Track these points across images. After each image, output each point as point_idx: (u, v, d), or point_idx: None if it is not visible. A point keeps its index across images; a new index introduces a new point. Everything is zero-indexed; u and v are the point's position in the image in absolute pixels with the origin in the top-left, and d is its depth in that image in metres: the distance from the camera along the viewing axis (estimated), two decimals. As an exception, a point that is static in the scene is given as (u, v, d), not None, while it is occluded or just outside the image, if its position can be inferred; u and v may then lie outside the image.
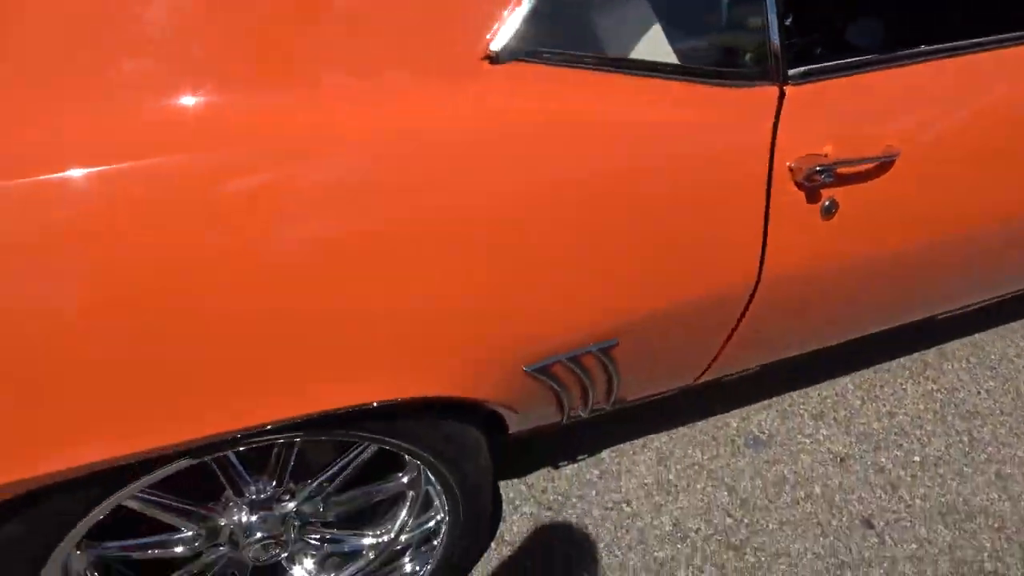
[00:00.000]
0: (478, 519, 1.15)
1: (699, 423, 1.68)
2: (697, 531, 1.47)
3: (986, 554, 1.46)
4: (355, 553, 1.22)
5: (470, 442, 1.03)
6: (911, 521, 1.51)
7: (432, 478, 1.06)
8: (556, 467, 1.56)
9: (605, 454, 1.61)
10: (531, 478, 1.53)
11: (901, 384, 1.79)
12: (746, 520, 1.50)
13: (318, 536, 1.17)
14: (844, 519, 1.51)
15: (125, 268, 0.69)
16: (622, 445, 1.63)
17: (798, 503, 1.53)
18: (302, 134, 0.75)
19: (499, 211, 0.83)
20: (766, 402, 1.73)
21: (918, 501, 1.55)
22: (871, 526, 1.50)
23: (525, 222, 0.84)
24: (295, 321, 0.77)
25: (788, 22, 1.43)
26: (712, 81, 0.91)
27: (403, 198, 0.78)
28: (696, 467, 1.59)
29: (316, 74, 0.78)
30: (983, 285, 1.45)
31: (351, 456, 1.05)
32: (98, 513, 0.85)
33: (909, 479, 1.58)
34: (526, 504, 1.49)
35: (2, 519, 0.80)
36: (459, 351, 0.87)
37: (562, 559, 1.42)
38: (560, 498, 1.51)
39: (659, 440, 1.64)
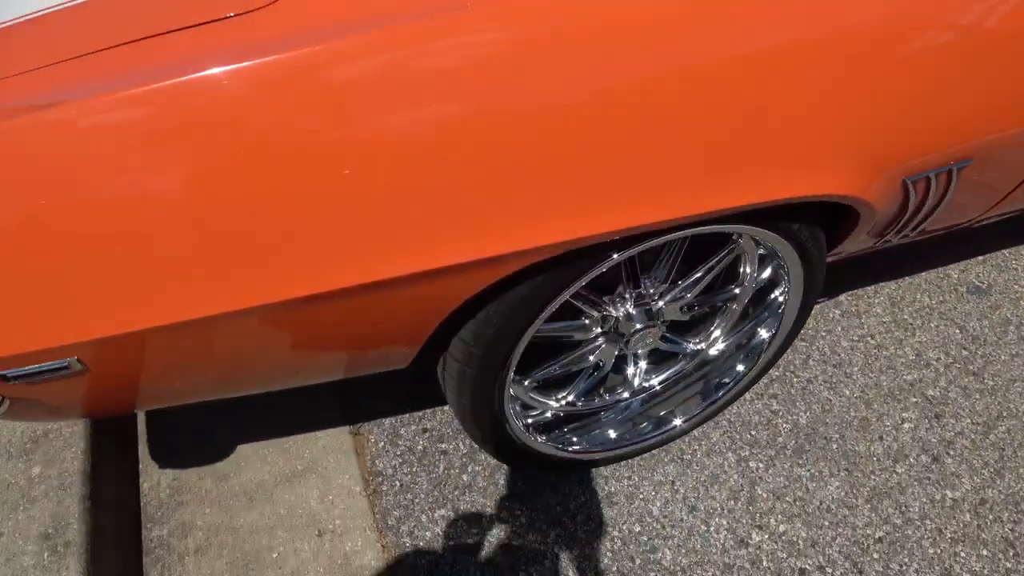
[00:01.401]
0: (805, 317, 1.35)
1: (922, 273, 1.85)
2: (938, 360, 1.67)
3: None
4: (678, 355, 1.44)
5: (821, 243, 1.22)
6: None
7: (789, 276, 1.25)
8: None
9: (843, 297, 1.80)
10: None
11: (1105, 244, 1.94)
12: (980, 352, 1.69)
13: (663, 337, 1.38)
14: (1068, 353, 1.69)
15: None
16: (856, 290, 1.81)
17: (1023, 340, 1.72)
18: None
19: (917, 34, 0.98)
20: (980, 257, 1.90)
21: None
22: (1094, 359, 1.68)
23: (940, 46, 0.99)
24: (742, 119, 0.93)
25: None
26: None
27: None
28: (927, 309, 1.78)
29: None
30: None
31: (717, 259, 1.25)
32: (573, 286, 1.06)
33: (1123, 323, 1.75)
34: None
35: (515, 282, 1.01)
36: (868, 158, 1.04)
37: (824, 376, 1.63)
38: (810, 332, 1.72)
39: (889, 287, 1.82)
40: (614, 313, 1.25)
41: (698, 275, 1.26)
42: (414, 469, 1.46)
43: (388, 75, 0.80)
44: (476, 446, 1.49)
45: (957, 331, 1.73)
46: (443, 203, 0.84)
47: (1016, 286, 1.84)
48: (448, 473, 1.46)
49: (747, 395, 1.57)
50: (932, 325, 1.74)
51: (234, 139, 0.79)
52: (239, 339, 0.94)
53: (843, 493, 1.44)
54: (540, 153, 0.86)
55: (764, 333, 1.38)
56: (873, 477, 1.46)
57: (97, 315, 0.85)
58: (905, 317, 1.76)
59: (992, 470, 1.48)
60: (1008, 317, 1.76)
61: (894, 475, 1.47)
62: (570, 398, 1.40)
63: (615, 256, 1.03)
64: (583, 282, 1.06)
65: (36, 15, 0.90)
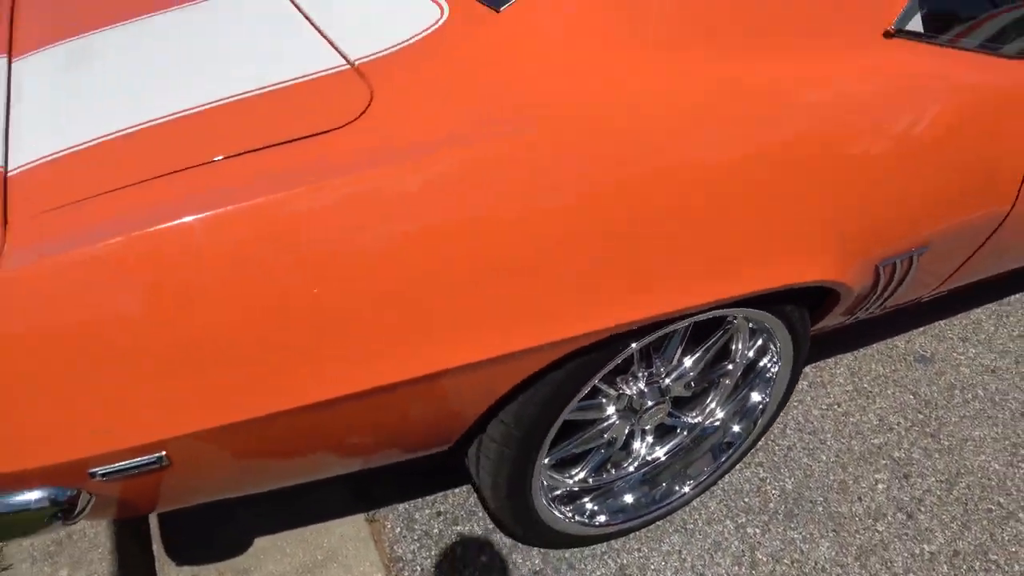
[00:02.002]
0: (793, 386, 1.49)
1: (874, 345, 2.05)
2: (899, 424, 1.84)
3: (1119, 436, 1.87)
4: (678, 428, 1.55)
5: (807, 321, 1.37)
6: (1058, 413, 1.91)
7: (778, 349, 1.40)
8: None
9: (808, 369, 1.96)
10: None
11: (1022, 314, 2.19)
12: (933, 415, 1.87)
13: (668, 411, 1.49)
14: (1007, 412, 1.89)
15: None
16: (819, 363, 1.99)
17: (968, 402, 1.91)
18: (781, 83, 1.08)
19: (895, 149, 1.17)
20: (921, 329, 2.11)
21: (1059, 399, 1.94)
22: (1029, 417, 1.89)
23: (905, 157, 1.19)
24: (756, 221, 1.08)
25: None
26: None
27: (840, 129, 1.12)
28: (882, 378, 1.96)
29: (775, 37, 1.11)
30: None
31: (715, 339, 1.38)
32: (604, 369, 1.17)
33: (1048, 384, 1.98)
34: (761, 406, 1.83)
35: (556, 366, 1.11)
36: (849, 249, 1.21)
37: (802, 444, 1.77)
38: (784, 402, 1.86)
39: (847, 359, 2.01)
40: (628, 392, 1.36)
41: (698, 354, 1.40)
42: (433, 552, 1.50)
43: (452, 182, 0.91)
44: (492, 526, 1.54)
45: (911, 396, 1.92)
46: (517, 294, 0.95)
47: (954, 354, 2.05)
48: (466, 555, 1.50)
49: (737, 464, 1.69)
50: (889, 392, 1.92)
51: (309, 249, 0.87)
52: (310, 430, 1.00)
53: (834, 553, 1.56)
54: (589, 249, 0.98)
55: (757, 397, 1.51)
56: (858, 536, 1.59)
57: (183, 411, 0.90)
58: (865, 385, 1.94)
59: (960, 523, 1.63)
60: (952, 382, 1.96)
61: (876, 533, 1.60)
62: (582, 475, 1.48)
63: (633, 345, 1.15)
64: (612, 365, 1.17)
65: (128, 131, 0.98)
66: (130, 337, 0.85)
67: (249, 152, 0.92)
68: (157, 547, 1.45)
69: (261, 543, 1.48)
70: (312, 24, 1.17)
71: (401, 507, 1.58)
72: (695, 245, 1.05)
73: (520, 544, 1.52)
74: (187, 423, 0.90)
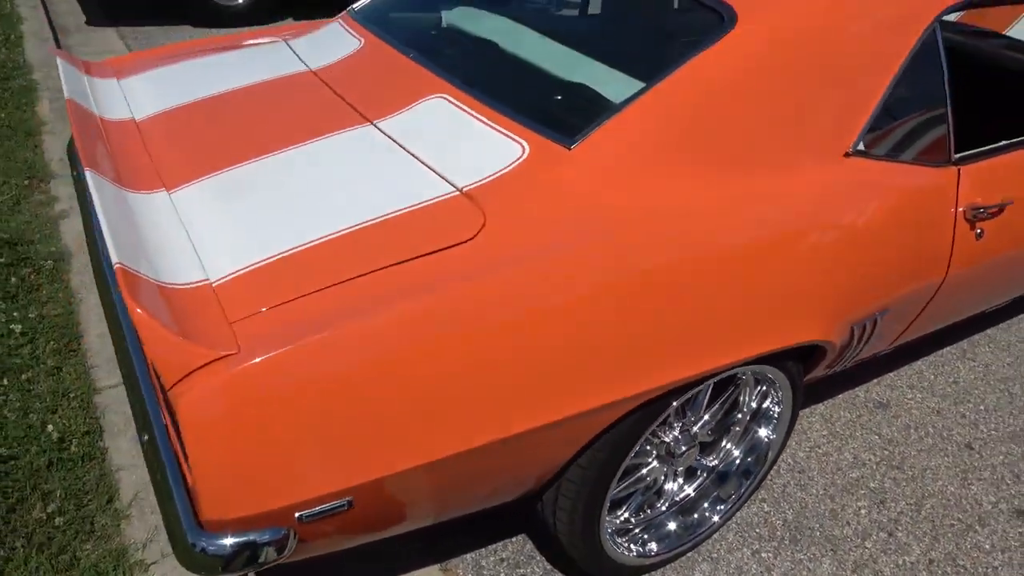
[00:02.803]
0: (793, 425, 1.82)
1: (839, 395, 2.42)
2: (870, 459, 2.19)
3: (1044, 458, 2.26)
4: (698, 470, 1.85)
5: (801, 373, 1.72)
6: (995, 442, 2.29)
7: (779, 397, 1.74)
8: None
9: (790, 419, 2.31)
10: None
11: (953, 364, 2.61)
12: (896, 451, 2.23)
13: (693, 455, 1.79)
14: (953, 444, 2.27)
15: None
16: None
17: (922, 439, 2.29)
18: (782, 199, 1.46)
19: (860, 238, 1.56)
20: (874, 380, 2.51)
21: (993, 430, 2.34)
22: (971, 447, 2.27)
23: (868, 245, 1.57)
24: (769, 299, 1.44)
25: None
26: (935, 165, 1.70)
27: (827, 229, 1.50)
28: (851, 422, 2.32)
29: (759, 160, 1.49)
30: None
31: (731, 391, 1.71)
32: (658, 419, 1.47)
33: (984, 418, 2.38)
34: (757, 451, 2.16)
35: (622, 419, 1.41)
36: (834, 315, 1.58)
37: (794, 481, 2.09)
38: (775, 447, 2.19)
39: (820, 408, 2.37)
40: (666, 439, 1.66)
41: (716, 406, 1.72)
42: (503, 594, 1.73)
43: (561, 276, 1.23)
44: (550, 567, 1.78)
45: (876, 436, 2.28)
46: (616, 357, 1.27)
47: (905, 399, 2.44)
48: (532, 593, 1.74)
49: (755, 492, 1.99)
50: (858, 434, 2.28)
51: (474, 325, 1.17)
52: (467, 472, 1.26)
53: (835, 569, 1.86)
54: (669, 319, 1.31)
55: (763, 432, 1.83)
56: (852, 553, 1.90)
57: (366, 460, 1.16)
58: (838, 429, 2.29)
59: (931, 537, 1.96)
60: (907, 423, 2.34)
61: (865, 549, 1.91)
62: (626, 515, 1.76)
63: (674, 403, 1.46)
64: (663, 416, 1.48)
65: (296, 249, 1.26)
66: (339, 400, 1.12)
67: (403, 262, 1.22)
68: (264, 605, 1.64)
69: (354, 595, 1.68)
70: (415, 157, 1.49)
71: (468, 556, 1.81)
72: (731, 319, 1.39)
73: (577, 580, 1.77)
74: (370, 472, 1.15)
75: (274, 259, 1.25)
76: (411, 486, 1.22)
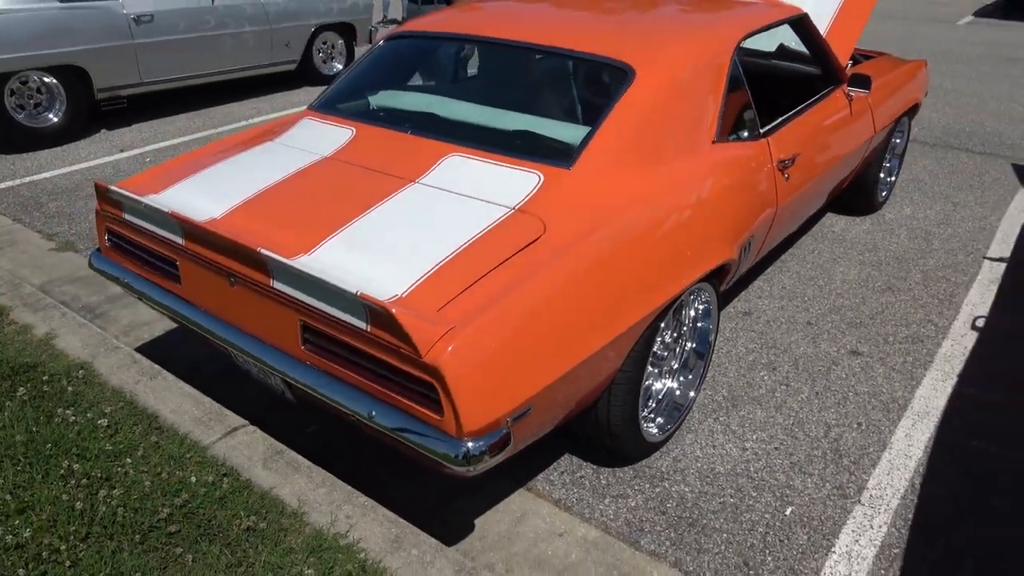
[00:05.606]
0: (718, 316, 2.71)
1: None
2: (755, 346, 3.17)
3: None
4: (676, 363, 2.69)
5: (718, 284, 2.62)
6: (823, 316, 3.39)
7: (709, 300, 2.63)
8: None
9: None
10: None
11: (778, 276, 3.73)
12: (768, 336, 3.24)
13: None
14: (799, 324, 3.33)
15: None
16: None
17: (780, 325, 3.32)
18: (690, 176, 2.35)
19: (734, 191, 2.49)
20: (737, 299, 3.53)
21: (819, 310, 3.44)
22: (811, 324, 3.34)
23: (739, 194, 2.51)
24: (697, 238, 2.32)
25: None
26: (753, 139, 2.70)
27: (720, 194, 2.41)
28: (734, 329, 3.31)
29: (674, 153, 2.37)
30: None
31: (682, 313, 2.56)
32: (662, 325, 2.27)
33: (810, 304, 3.48)
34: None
35: (646, 329, 2.19)
36: (731, 244, 2.49)
37: (711, 376, 3.00)
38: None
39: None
40: (657, 350, 2.48)
41: (675, 323, 2.57)
42: (573, 491, 2.43)
43: (603, 247, 2.01)
44: (596, 466, 2.51)
45: (752, 332, 3.28)
46: (645, 284, 2.06)
47: (760, 305, 3.48)
48: (598, 481, 2.45)
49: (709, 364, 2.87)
50: (740, 334, 3.27)
51: (573, 274, 1.91)
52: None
53: (765, 415, 2.78)
54: (664, 259, 2.13)
55: (704, 325, 2.72)
56: (770, 402, 2.84)
57: (542, 372, 1.83)
58: (727, 335, 3.26)
59: (811, 379, 2.97)
60: (768, 319, 3.38)
61: (775, 397, 2.87)
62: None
63: (670, 313, 2.30)
64: (663, 323, 2.29)
65: (434, 269, 1.90)
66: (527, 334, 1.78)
67: (511, 256, 1.92)
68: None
69: (480, 521, 2.29)
70: (466, 196, 2.18)
71: (539, 476, 2.48)
72: (689, 255, 2.24)
73: (619, 469, 2.51)
74: (545, 379, 1.83)
75: (429, 274, 1.88)
76: (557, 395, 1.91)
